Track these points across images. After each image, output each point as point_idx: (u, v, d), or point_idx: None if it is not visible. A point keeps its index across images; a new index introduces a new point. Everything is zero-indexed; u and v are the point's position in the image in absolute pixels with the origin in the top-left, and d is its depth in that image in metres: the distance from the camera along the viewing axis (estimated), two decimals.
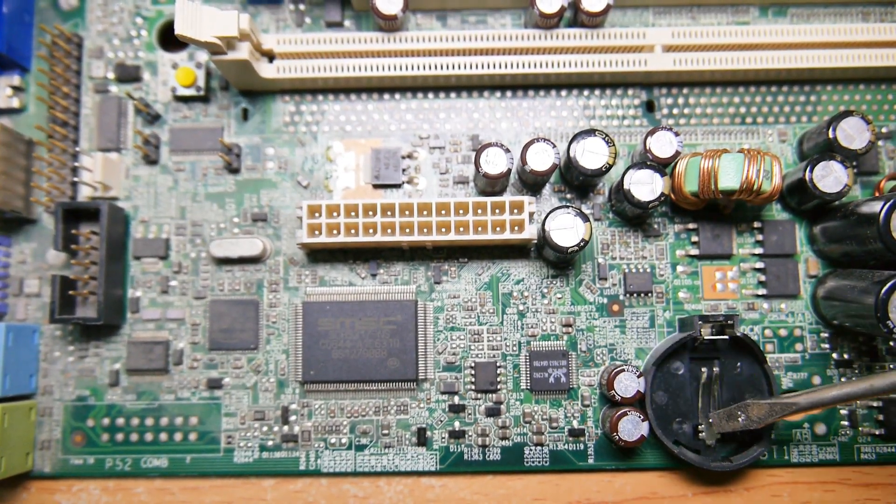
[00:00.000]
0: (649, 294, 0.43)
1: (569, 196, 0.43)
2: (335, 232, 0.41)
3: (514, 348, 0.42)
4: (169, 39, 0.45)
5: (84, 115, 0.44)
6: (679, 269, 0.43)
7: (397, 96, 0.44)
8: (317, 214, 0.41)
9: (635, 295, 0.43)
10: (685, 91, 0.45)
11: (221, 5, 0.45)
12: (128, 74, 0.44)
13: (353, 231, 0.41)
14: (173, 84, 0.44)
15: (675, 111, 0.44)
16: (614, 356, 0.42)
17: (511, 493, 0.43)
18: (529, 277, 0.43)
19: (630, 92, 0.45)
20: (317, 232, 0.41)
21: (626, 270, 0.43)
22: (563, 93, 0.44)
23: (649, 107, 0.45)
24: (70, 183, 0.43)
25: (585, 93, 0.44)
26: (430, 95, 0.44)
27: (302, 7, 0.45)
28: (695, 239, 0.43)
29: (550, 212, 0.40)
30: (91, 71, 0.45)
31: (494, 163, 0.40)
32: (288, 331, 0.43)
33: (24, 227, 0.44)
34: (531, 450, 0.42)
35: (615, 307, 0.43)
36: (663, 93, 0.44)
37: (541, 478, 0.43)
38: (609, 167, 0.40)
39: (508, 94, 0.44)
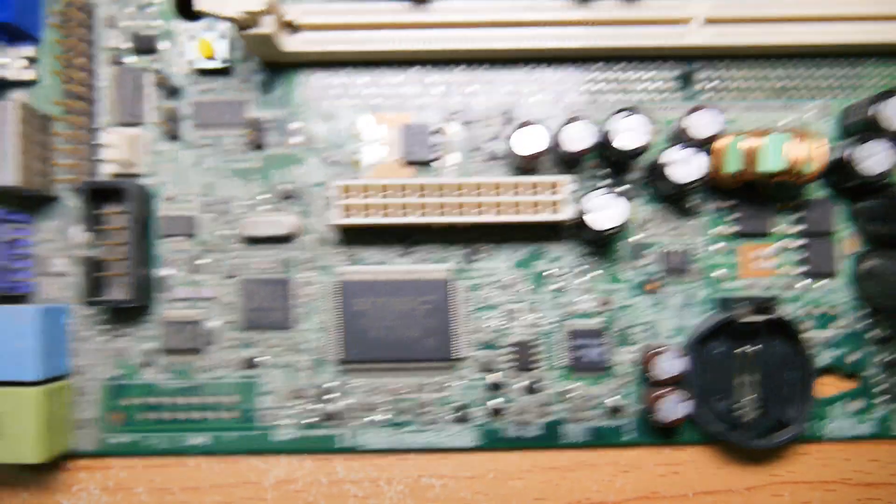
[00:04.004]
0: (686, 272, 0.42)
1: (604, 173, 0.43)
2: (369, 212, 0.40)
3: (552, 327, 0.43)
4: (186, 7, 0.43)
5: (100, 87, 0.43)
6: (716, 247, 0.43)
7: (426, 69, 0.43)
8: (350, 194, 0.40)
9: (671, 273, 0.42)
10: (723, 64, 0.43)
11: None
12: (143, 45, 0.42)
13: (386, 211, 0.40)
14: (193, 56, 0.42)
15: (711, 85, 0.43)
16: (651, 335, 0.42)
17: (512, 493, 0.43)
18: (565, 256, 0.43)
19: (666, 65, 0.43)
20: (350, 211, 0.40)
21: (663, 249, 0.42)
22: (598, 66, 0.43)
23: (685, 81, 0.43)
24: (90, 160, 0.42)
25: (620, 66, 0.43)
26: (461, 68, 0.43)
27: None
28: (732, 217, 0.42)
29: (589, 192, 0.39)
30: (105, 41, 0.43)
31: (531, 141, 0.39)
32: (321, 310, 0.43)
33: (44, 205, 0.42)
34: (570, 427, 0.42)
35: (651, 286, 0.43)
36: (700, 66, 0.43)
37: (541, 476, 0.43)
38: (649, 145, 0.39)
39: (541, 67, 0.43)
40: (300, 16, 0.40)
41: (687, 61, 0.43)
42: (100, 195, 0.41)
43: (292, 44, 0.40)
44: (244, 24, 0.37)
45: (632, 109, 0.39)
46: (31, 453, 0.39)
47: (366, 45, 0.40)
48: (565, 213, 0.40)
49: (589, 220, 0.38)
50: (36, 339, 0.39)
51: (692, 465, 0.43)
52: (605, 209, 0.39)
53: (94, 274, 0.40)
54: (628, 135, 0.39)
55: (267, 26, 0.38)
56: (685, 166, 0.39)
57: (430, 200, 0.40)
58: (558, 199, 0.40)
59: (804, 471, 0.43)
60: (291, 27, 0.41)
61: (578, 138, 0.39)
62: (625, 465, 0.43)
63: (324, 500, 0.43)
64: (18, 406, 0.39)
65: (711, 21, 0.41)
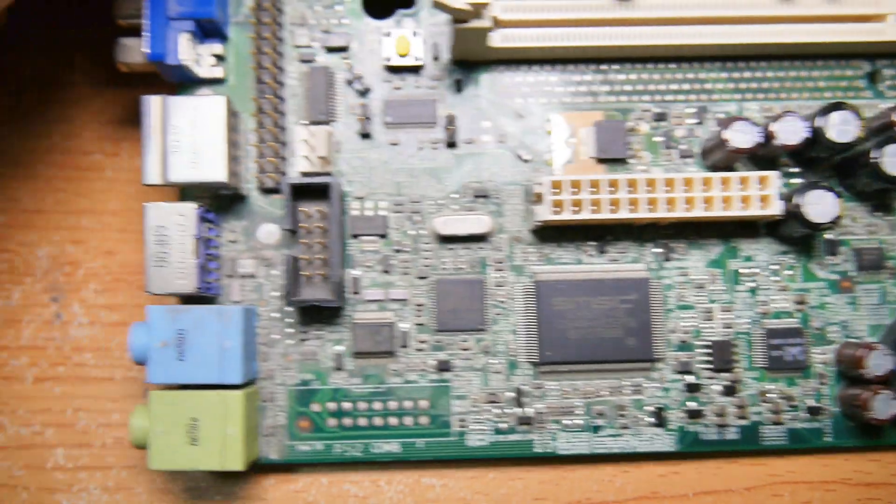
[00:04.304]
0: (880, 269, 0.42)
1: (797, 171, 0.43)
2: (576, 209, 0.39)
3: (747, 326, 0.42)
4: (373, 5, 0.43)
5: (290, 85, 0.42)
6: None
7: (616, 66, 0.43)
8: (556, 190, 0.40)
9: (866, 270, 0.42)
10: None
11: None
12: (334, 43, 0.42)
13: (593, 207, 0.40)
14: (387, 53, 0.41)
15: None
16: (847, 333, 0.42)
17: (512, 493, 0.42)
18: (759, 254, 0.42)
19: (850, 64, 0.43)
20: (556, 208, 0.40)
21: (857, 246, 0.42)
22: (786, 63, 0.43)
23: (872, 78, 0.44)
24: (282, 158, 0.41)
25: (807, 63, 0.43)
26: (650, 66, 0.43)
27: None
28: None
29: (801, 187, 0.39)
30: (294, 39, 0.42)
31: (743, 137, 0.39)
32: (516, 310, 0.42)
33: (233, 205, 0.41)
34: (769, 429, 0.42)
35: (846, 283, 0.42)
36: (886, 63, 0.43)
37: (541, 476, 0.42)
38: (860, 140, 0.39)
39: (730, 64, 0.43)
40: (502, 12, 0.40)
41: (871, 59, 0.43)
42: (298, 193, 0.40)
43: (497, 40, 0.40)
44: (464, 17, 0.37)
45: (841, 105, 0.39)
46: (235, 460, 0.37)
47: (570, 41, 0.40)
48: (775, 209, 0.39)
49: (807, 213, 0.38)
50: (240, 341, 0.38)
51: (693, 465, 0.43)
52: (820, 203, 0.39)
53: (296, 274, 0.39)
54: (838, 129, 0.39)
55: (486, 20, 0.37)
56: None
57: (638, 196, 0.39)
58: (769, 193, 0.39)
59: (804, 471, 0.43)
60: (494, 23, 0.41)
61: (792, 132, 0.39)
62: (625, 465, 0.43)
63: (324, 500, 0.42)
64: (223, 410, 0.37)
65: None
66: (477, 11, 0.37)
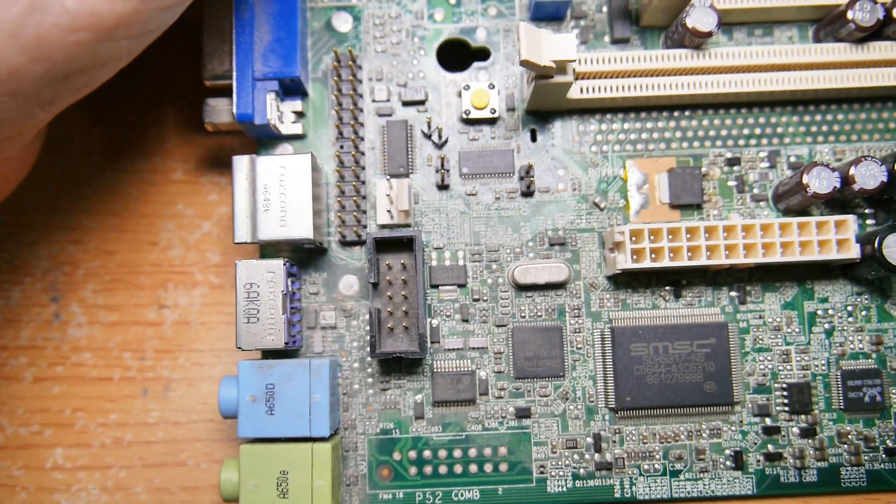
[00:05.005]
0: None
1: (867, 212, 0.43)
2: (655, 256, 0.40)
3: (824, 367, 0.42)
4: (446, 59, 0.44)
5: (369, 139, 0.43)
6: None
7: (688, 112, 0.43)
8: (635, 239, 0.40)
9: None
10: None
11: (509, 21, 0.44)
12: (411, 97, 0.43)
13: (672, 255, 0.40)
14: (466, 106, 0.42)
15: None
16: None
17: None
18: (834, 295, 0.42)
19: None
20: (636, 257, 0.40)
21: None
22: (856, 106, 0.44)
23: None
24: (362, 211, 0.42)
25: (877, 105, 0.43)
26: (722, 111, 0.43)
27: (583, 23, 0.44)
28: None
29: (881, 231, 0.39)
30: (374, 94, 0.43)
31: (821, 182, 0.40)
32: (593, 356, 0.42)
33: (312, 257, 0.42)
34: (848, 470, 0.42)
35: None
36: None
37: None
38: None
39: (801, 107, 0.43)
40: (581, 65, 0.41)
41: None
42: (381, 246, 0.41)
43: (574, 91, 0.41)
44: (549, 73, 0.38)
45: None
46: None
47: (646, 91, 0.41)
48: (852, 253, 0.40)
49: (889, 256, 0.38)
50: (327, 394, 0.38)
51: None
52: None
53: (380, 326, 0.40)
54: None
55: (569, 75, 0.38)
56: None
57: (716, 243, 0.40)
58: (845, 237, 0.40)
59: None
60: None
61: (870, 177, 0.39)
62: None
63: None
64: (311, 463, 0.38)
65: None
66: (562, 68, 0.37)
